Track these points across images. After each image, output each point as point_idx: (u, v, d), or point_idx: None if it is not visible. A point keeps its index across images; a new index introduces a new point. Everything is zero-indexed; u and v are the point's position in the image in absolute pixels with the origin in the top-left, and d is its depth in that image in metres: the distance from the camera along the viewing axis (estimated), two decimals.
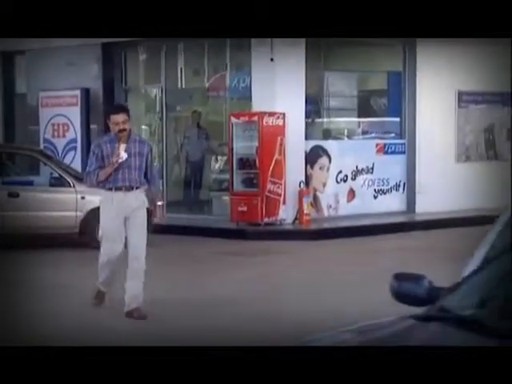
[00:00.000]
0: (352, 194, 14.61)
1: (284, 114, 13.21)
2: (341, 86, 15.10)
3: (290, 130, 13.36)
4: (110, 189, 7.37)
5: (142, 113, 16.30)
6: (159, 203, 7.86)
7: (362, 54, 14.44)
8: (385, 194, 14.95)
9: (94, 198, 11.44)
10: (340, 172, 14.42)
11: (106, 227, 7.54)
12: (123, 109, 7.59)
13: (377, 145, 14.94)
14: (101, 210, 7.64)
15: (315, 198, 14.15)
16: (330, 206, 14.37)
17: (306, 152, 13.88)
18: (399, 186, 15.13)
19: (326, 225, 13.78)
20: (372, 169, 14.77)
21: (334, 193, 14.37)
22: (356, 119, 15.63)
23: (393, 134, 15.42)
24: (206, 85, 15.45)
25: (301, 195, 13.43)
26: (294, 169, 13.45)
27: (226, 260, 11.10)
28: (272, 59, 13.05)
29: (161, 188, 7.99)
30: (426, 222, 14.26)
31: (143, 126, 16.10)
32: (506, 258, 2.71)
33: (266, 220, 13.13)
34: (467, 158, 15.76)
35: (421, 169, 15.05)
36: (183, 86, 15.82)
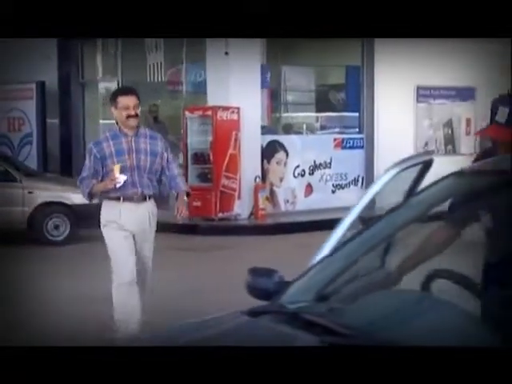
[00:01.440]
0: (310, 188, 14.57)
1: (239, 109, 13.13)
2: (298, 81, 15.03)
3: (245, 125, 13.28)
4: (117, 198, 5.80)
5: (98, 107, 16.15)
6: (184, 198, 6.07)
7: (319, 47, 14.37)
8: (343, 188, 14.93)
9: (41, 193, 11.41)
10: (297, 167, 14.38)
11: (116, 250, 5.85)
12: (133, 91, 6.06)
13: (335, 139, 14.92)
14: (104, 226, 5.90)
15: (272, 192, 14.10)
16: (288, 201, 14.33)
17: (262, 147, 13.82)
18: (357, 180, 15.12)
19: (283, 219, 13.72)
20: (330, 163, 14.74)
21: (292, 187, 14.33)
22: (314, 114, 15.59)
23: (353, 129, 15.40)
24: (164, 79, 15.34)
25: (256, 190, 13.37)
26: (250, 164, 13.39)
27: (178, 255, 11.01)
28: (226, 53, 12.96)
29: (184, 187, 6.13)
30: None
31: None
32: (342, 253, 2.70)
33: (220, 215, 13.05)
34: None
35: (379, 163, 15.03)
36: (141, 80, 15.68)
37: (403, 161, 3.69)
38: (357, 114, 15.34)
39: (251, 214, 13.49)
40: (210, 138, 13.15)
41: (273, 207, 14.02)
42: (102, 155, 5.83)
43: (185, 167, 13.44)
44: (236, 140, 13.13)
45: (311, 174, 14.55)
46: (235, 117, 13.13)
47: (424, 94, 15.72)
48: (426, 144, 15.87)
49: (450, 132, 16.13)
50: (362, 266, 3.11)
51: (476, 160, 3.49)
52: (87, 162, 5.91)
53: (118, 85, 15.19)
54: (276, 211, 14.03)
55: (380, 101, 15.05)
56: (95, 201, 6.07)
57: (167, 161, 5.98)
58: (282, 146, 14.23)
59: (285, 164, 14.26)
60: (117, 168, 5.71)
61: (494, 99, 3.36)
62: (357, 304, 2.36)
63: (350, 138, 15.13)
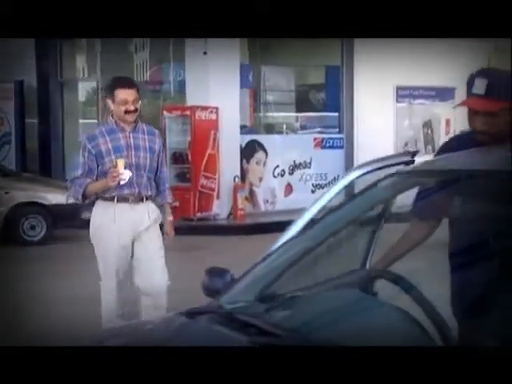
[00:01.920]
0: (289, 188, 14.58)
1: (217, 109, 13.11)
2: (278, 81, 15.04)
3: (224, 125, 13.26)
4: (111, 198, 5.26)
5: (78, 106, 16.07)
6: (170, 218, 5.62)
7: (299, 47, 14.36)
8: (323, 188, 14.88)
9: (18, 194, 11.36)
10: (277, 166, 14.38)
11: (106, 255, 5.31)
12: (133, 83, 5.47)
13: (314, 139, 14.93)
14: (94, 229, 5.33)
15: (252, 192, 14.09)
16: (267, 201, 14.33)
17: (241, 146, 13.81)
18: (337, 180, 15.06)
19: (262, 219, 13.70)
20: (310, 163, 14.75)
21: (271, 187, 14.33)
22: (294, 114, 15.59)
23: (333, 129, 15.41)
24: (145, 78, 15.28)
25: (235, 190, 13.36)
26: (229, 163, 13.37)
27: None
28: (205, 52, 12.92)
29: (171, 199, 5.61)
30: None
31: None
32: (284, 253, 2.70)
33: (198, 215, 13.03)
34: None
35: (359, 163, 15.01)
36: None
37: (375, 161, 3.64)
38: (337, 114, 15.35)
39: (230, 213, 13.47)
40: (189, 138, 13.13)
41: (252, 207, 14.00)
42: (97, 152, 5.27)
43: None
44: (215, 140, 13.11)
45: (291, 173, 14.56)
46: (214, 117, 13.11)
47: (403, 94, 15.75)
48: (406, 144, 15.88)
49: (429, 132, 16.17)
50: (337, 267, 3.09)
51: (437, 155, 3.48)
52: (81, 158, 5.32)
53: (98, 84, 15.12)
54: (255, 211, 14.02)
55: (360, 101, 15.06)
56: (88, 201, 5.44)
57: (161, 161, 5.50)
58: (262, 146, 14.23)
59: (264, 164, 14.26)
60: (121, 162, 5.16)
61: (471, 74, 3.36)
62: (294, 304, 2.36)
63: (330, 138, 15.14)
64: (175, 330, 2.34)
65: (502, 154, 2.66)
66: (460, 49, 15.03)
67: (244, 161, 13.93)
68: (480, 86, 3.20)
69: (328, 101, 15.43)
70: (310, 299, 2.38)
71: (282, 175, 14.47)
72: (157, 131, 5.65)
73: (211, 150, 13.08)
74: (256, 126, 14.98)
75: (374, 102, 15.09)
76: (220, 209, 13.32)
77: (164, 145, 13.05)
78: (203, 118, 13.01)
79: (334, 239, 2.82)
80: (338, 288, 2.46)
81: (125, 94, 5.21)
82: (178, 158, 13.29)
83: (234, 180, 13.43)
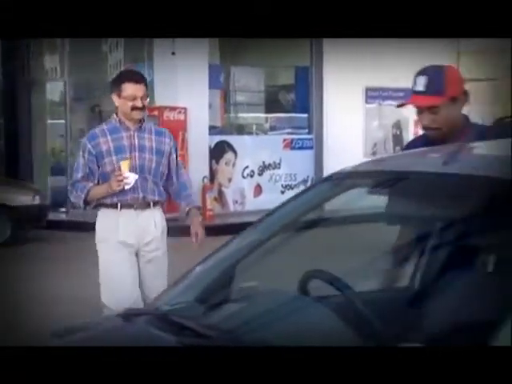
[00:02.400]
0: (259, 189, 14.58)
1: (186, 109, 13.08)
2: (248, 81, 15.03)
3: (192, 125, 13.23)
4: (114, 205, 4.85)
5: (46, 106, 15.92)
6: (198, 219, 5.30)
7: (268, 48, 14.37)
8: (292, 189, 14.95)
9: None
10: (246, 167, 14.38)
11: (108, 266, 4.88)
12: (143, 78, 5.00)
13: (284, 140, 14.95)
14: (98, 238, 4.91)
15: (221, 193, 14.07)
16: (237, 202, 14.32)
17: (210, 147, 13.79)
18: (307, 181, 15.15)
19: (231, 220, 13.67)
20: (279, 164, 14.77)
21: (240, 188, 14.32)
22: (264, 115, 15.59)
23: (302, 130, 15.44)
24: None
25: (204, 191, 13.33)
26: (198, 164, 13.33)
27: None
28: (173, 53, 12.88)
29: (197, 201, 5.49)
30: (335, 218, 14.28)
31: None
32: (222, 256, 2.69)
33: (167, 216, 12.91)
34: (374, 153, 15.86)
35: (328, 164, 15.07)
36: (89, 79, 15.49)
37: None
38: (306, 115, 15.38)
39: None
40: None
41: (221, 208, 13.99)
42: (97, 152, 4.83)
43: None
44: (183, 140, 13.07)
45: (260, 174, 14.56)
46: (182, 117, 13.08)
47: (373, 95, 15.81)
48: (375, 145, 15.96)
49: (398, 133, 16.24)
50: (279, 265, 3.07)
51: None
52: (81, 160, 4.90)
53: (66, 85, 14.99)
54: (225, 211, 14.00)
55: (329, 102, 15.10)
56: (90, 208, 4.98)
57: (176, 164, 5.01)
58: (231, 147, 14.22)
59: (233, 164, 14.25)
60: (125, 164, 4.74)
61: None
62: (231, 305, 2.35)
63: (300, 139, 15.17)
64: (110, 331, 2.32)
65: (445, 154, 2.65)
66: (430, 49, 15.09)
67: (213, 161, 13.91)
68: (420, 84, 3.27)
69: (297, 102, 15.46)
70: (245, 300, 2.37)
71: (252, 176, 14.47)
72: (166, 130, 5.27)
73: (179, 150, 12.99)
74: (227, 127, 14.97)
75: (343, 103, 15.14)
76: None
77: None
78: (171, 119, 12.98)
79: (278, 237, 2.81)
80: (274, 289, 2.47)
81: (133, 89, 4.79)
82: None
83: (203, 180, 13.41)
